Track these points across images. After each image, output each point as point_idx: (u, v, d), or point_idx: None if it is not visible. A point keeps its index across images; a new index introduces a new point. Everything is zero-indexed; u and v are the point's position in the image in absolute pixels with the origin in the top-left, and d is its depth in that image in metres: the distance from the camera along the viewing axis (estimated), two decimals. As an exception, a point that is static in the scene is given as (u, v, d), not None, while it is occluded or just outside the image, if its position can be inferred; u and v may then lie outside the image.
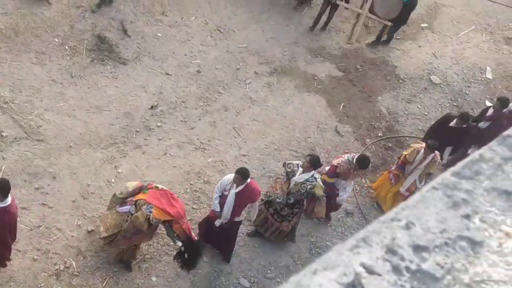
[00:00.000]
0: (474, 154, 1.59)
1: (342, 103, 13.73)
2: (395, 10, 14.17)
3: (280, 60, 14.11)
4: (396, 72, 14.83)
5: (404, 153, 11.31)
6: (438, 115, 13.92)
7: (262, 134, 12.56)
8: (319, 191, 10.03)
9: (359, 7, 14.55)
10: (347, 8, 14.77)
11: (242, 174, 9.42)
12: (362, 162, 10.55)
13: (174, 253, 9.79)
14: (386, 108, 13.97)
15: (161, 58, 13.25)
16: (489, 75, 15.38)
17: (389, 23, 14.54)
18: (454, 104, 14.45)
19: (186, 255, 9.37)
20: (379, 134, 13.35)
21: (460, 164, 1.57)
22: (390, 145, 13.22)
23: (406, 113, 14.00)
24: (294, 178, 10.04)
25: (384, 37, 15.22)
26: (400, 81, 14.65)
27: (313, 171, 9.99)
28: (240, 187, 9.48)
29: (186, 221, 9.25)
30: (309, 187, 9.96)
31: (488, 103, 13.63)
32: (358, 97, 14.00)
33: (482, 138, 11.48)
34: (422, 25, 16.18)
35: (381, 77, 14.59)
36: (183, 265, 9.62)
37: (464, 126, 11.91)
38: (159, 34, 13.64)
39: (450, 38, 16.06)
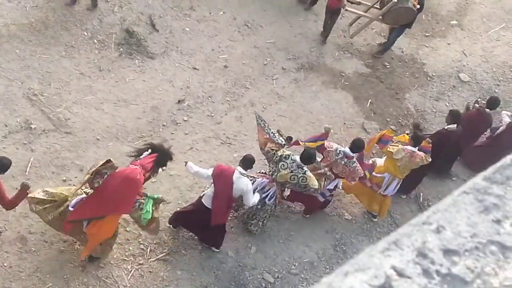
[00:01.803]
0: (506, 159, 1.60)
1: (369, 100, 13.68)
2: (406, 20, 13.75)
3: (307, 56, 14.09)
4: (425, 70, 14.74)
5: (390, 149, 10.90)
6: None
7: (289, 130, 12.54)
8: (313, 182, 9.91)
9: (368, 8, 14.25)
10: (355, 13, 14.33)
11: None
12: (357, 146, 10.40)
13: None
14: (413, 105, 13.90)
15: (188, 53, 13.30)
16: (518, 74, 15.23)
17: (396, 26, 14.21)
18: (483, 102, 14.31)
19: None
20: (406, 132, 13.27)
21: (491, 169, 1.57)
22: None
23: (434, 110, 13.91)
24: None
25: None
26: (428, 78, 14.56)
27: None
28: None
29: (139, 166, 8.81)
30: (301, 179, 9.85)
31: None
32: (385, 94, 13.94)
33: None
34: (452, 22, 16.04)
35: (409, 74, 14.51)
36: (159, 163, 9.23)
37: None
38: (187, 29, 13.69)
39: (480, 36, 15.91)
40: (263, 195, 10.14)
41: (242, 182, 9.48)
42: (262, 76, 13.40)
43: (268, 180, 10.07)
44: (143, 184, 8.90)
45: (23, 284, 9.36)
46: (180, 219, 10.36)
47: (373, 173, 11.01)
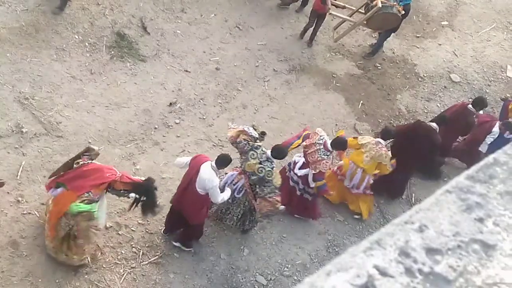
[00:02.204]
0: (489, 158, 1.60)
1: (361, 101, 13.70)
2: (391, 25, 13.70)
3: (299, 57, 14.10)
4: (416, 70, 14.77)
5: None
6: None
7: (281, 132, 12.56)
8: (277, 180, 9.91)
9: (352, 13, 14.16)
10: (340, 17, 14.18)
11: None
12: (338, 143, 10.38)
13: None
14: (405, 106, 13.92)
15: (180, 55, 13.29)
16: (510, 74, 15.27)
17: (381, 31, 14.17)
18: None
19: (143, 200, 9.09)
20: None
21: (474, 167, 1.57)
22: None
23: (426, 111, 13.94)
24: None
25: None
26: (420, 79, 14.59)
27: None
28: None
29: (120, 173, 8.98)
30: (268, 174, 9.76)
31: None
32: (377, 95, 13.96)
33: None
34: (443, 23, 16.08)
35: (401, 75, 14.54)
36: (145, 210, 9.22)
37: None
38: (179, 31, 13.68)
39: (471, 36, 15.96)
40: (233, 188, 10.05)
41: (206, 173, 9.21)
42: (253, 78, 13.41)
43: (237, 172, 10.05)
44: (106, 185, 8.88)
45: (15, 289, 9.33)
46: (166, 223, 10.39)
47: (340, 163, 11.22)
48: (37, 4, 12.89)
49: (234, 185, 10.05)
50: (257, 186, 10.02)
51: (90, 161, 9.07)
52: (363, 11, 13.79)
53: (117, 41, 13.01)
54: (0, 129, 10.98)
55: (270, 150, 9.72)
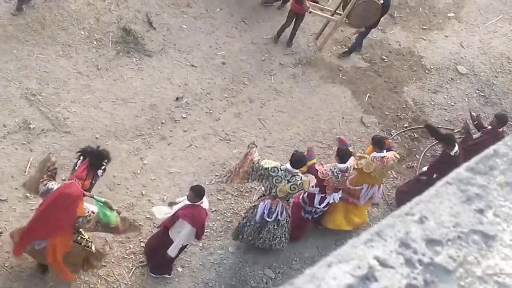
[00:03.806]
0: (489, 150, 1.61)
1: (368, 94, 13.68)
2: (371, 19, 13.47)
3: (305, 51, 14.08)
4: (422, 63, 14.73)
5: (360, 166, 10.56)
6: (464, 106, 13.83)
7: (287, 125, 12.57)
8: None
9: (331, 14, 13.93)
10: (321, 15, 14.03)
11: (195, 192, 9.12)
12: (344, 156, 10.13)
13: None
14: (412, 98, 13.90)
15: (186, 50, 13.30)
16: (517, 65, 15.23)
17: (362, 29, 13.89)
18: (481, 94, 14.32)
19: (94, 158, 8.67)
20: (405, 125, 13.30)
21: (474, 159, 1.58)
22: (416, 135, 13.17)
23: (433, 103, 13.91)
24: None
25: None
26: (426, 71, 14.55)
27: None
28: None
29: (75, 178, 8.45)
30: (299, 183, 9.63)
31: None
32: (383, 88, 13.94)
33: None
34: (449, 14, 16.03)
35: (407, 68, 14.50)
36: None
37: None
38: (184, 26, 13.68)
39: (477, 28, 15.89)
40: (274, 216, 9.84)
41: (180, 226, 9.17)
42: (260, 72, 13.41)
43: (269, 199, 9.77)
44: (83, 194, 8.36)
45: (24, 284, 9.38)
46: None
47: (349, 186, 10.66)
48: (43, 0, 12.92)
49: (273, 212, 9.83)
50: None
51: (49, 188, 8.40)
52: (341, 12, 13.65)
53: (123, 36, 13.03)
54: (8, 125, 11.03)
55: (288, 164, 9.58)
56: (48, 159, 8.80)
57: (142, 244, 10.24)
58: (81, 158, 8.63)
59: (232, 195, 11.16)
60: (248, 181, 9.95)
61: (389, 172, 10.77)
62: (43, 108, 11.45)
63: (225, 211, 10.97)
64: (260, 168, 9.53)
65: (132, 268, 10.02)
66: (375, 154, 10.54)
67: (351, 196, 10.83)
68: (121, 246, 10.13)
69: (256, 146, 9.98)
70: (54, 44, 12.47)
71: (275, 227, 10.01)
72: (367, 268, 1.37)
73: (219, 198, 11.06)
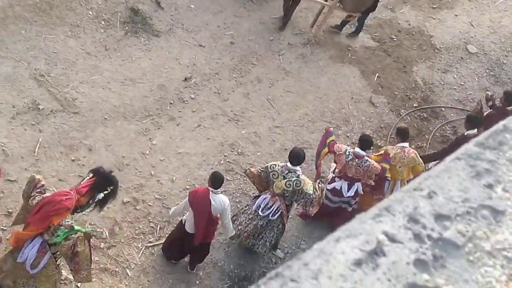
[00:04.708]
0: (499, 125, 1.60)
1: (377, 74, 13.63)
2: (366, 2, 13.27)
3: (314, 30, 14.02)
4: (432, 42, 14.64)
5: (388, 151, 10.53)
6: (474, 85, 13.76)
7: (296, 106, 12.55)
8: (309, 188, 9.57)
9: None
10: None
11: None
12: (365, 142, 10.12)
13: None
14: (421, 78, 13.83)
15: (194, 30, 13.27)
16: (527, 44, 15.13)
17: (359, 15, 13.67)
18: (491, 73, 14.24)
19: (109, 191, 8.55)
20: (414, 105, 13.25)
21: (484, 134, 1.57)
22: (426, 115, 13.12)
23: (442, 83, 13.85)
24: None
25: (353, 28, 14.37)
26: (436, 50, 14.47)
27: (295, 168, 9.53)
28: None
29: (73, 190, 8.30)
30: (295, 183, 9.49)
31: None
32: (393, 68, 13.88)
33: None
34: (459, -7, 15.92)
35: (417, 47, 14.42)
36: (109, 198, 8.65)
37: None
38: (192, 6, 13.64)
39: (488, 7, 15.77)
40: (267, 212, 9.69)
41: (219, 199, 9.10)
42: (268, 52, 13.37)
43: (270, 195, 9.68)
44: (73, 209, 8.24)
45: (35, 264, 9.44)
46: (168, 250, 10.05)
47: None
48: (51, -20, 12.90)
49: (268, 208, 9.71)
50: (295, 202, 9.90)
51: (41, 197, 8.27)
52: None
53: (131, 16, 13.00)
54: (17, 106, 11.06)
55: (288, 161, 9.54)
56: (33, 179, 8.52)
57: (152, 225, 10.29)
58: (90, 175, 8.53)
59: (241, 175, 11.16)
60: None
61: (410, 167, 10.58)
62: (51, 89, 11.46)
63: (234, 191, 10.98)
64: (265, 167, 9.63)
65: (141, 248, 10.07)
66: (396, 146, 10.58)
67: (375, 192, 10.72)
68: (131, 227, 10.18)
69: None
70: (62, 24, 12.46)
71: (263, 225, 9.79)
72: (376, 243, 1.37)
73: (228, 178, 11.06)
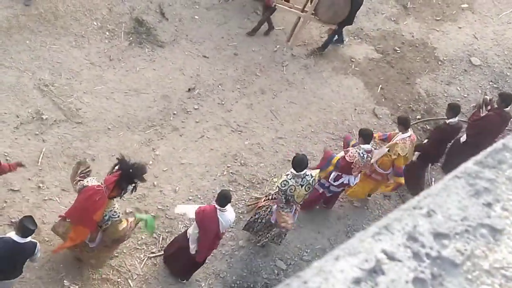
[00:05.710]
0: (497, 143, 1.60)
1: (380, 85, 13.64)
2: (341, 13, 13.10)
3: (317, 42, 14.04)
4: (435, 54, 14.66)
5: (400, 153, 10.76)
6: (478, 97, 13.74)
7: (299, 117, 12.56)
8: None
9: (301, 9, 13.61)
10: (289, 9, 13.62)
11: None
12: (367, 136, 10.33)
13: None
14: (424, 90, 13.84)
15: (198, 41, 13.30)
16: (530, 57, 15.12)
17: (335, 27, 13.51)
18: (495, 86, 14.25)
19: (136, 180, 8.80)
20: (418, 117, 13.26)
21: (483, 153, 1.58)
22: (429, 127, 13.12)
23: (445, 95, 13.85)
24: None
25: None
26: (439, 63, 14.48)
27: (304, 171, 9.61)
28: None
29: (104, 184, 8.74)
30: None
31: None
32: (396, 79, 13.89)
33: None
34: (463, 5, 15.92)
35: (420, 59, 14.44)
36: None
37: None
38: (197, 17, 13.68)
39: (491, 19, 15.79)
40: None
41: (226, 218, 9.17)
42: (272, 63, 13.39)
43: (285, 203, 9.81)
44: (105, 203, 8.69)
45: (37, 274, 9.46)
46: (170, 263, 10.13)
47: (380, 170, 10.98)
48: (56, -9, 12.95)
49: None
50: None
51: (84, 185, 8.84)
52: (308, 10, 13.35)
53: (136, 27, 13.04)
54: (21, 116, 11.09)
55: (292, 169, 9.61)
56: (83, 163, 9.46)
57: (154, 235, 10.29)
58: (117, 167, 8.83)
59: (244, 186, 11.18)
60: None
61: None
62: (55, 99, 11.50)
63: (236, 202, 10.97)
64: (278, 190, 9.62)
65: (144, 259, 10.07)
66: (401, 136, 10.75)
67: (383, 177, 11.14)
68: (133, 237, 10.17)
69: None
70: (67, 34, 12.50)
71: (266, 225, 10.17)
72: (375, 261, 1.37)
73: (231, 189, 11.05)
